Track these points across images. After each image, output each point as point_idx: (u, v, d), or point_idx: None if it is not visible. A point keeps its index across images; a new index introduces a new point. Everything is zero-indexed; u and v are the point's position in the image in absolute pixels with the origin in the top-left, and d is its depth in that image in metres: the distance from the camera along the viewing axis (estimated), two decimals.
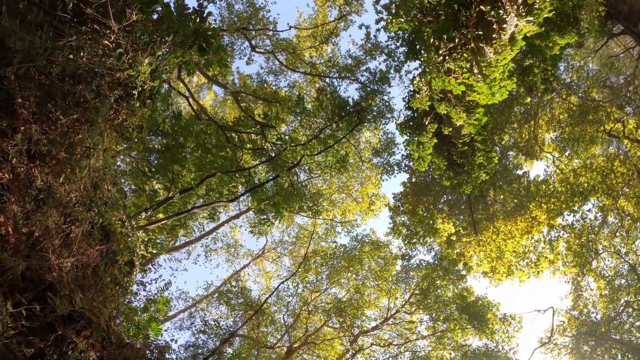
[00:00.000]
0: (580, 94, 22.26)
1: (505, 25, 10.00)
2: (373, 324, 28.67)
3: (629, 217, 21.51)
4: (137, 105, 7.75)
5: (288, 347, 27.25)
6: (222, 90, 27.97)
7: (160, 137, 17.20)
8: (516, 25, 9.97)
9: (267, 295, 28.97)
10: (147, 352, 7.47)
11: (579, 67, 22.33)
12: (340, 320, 27.94)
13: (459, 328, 26.58)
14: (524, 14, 9.66)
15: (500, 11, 9.80)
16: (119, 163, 16.14)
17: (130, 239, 8.32)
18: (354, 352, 27.63)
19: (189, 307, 29.07)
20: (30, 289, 5.60)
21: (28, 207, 5.60)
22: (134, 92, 7.45)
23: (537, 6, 9.51)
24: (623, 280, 23.33)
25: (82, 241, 6.46)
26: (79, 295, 5.98)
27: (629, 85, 21.69)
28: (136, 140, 8.69)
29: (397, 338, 28.56)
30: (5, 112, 5.62)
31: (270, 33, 23.44)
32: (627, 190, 20.76)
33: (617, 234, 22.03)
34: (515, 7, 9.58)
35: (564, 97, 22.16)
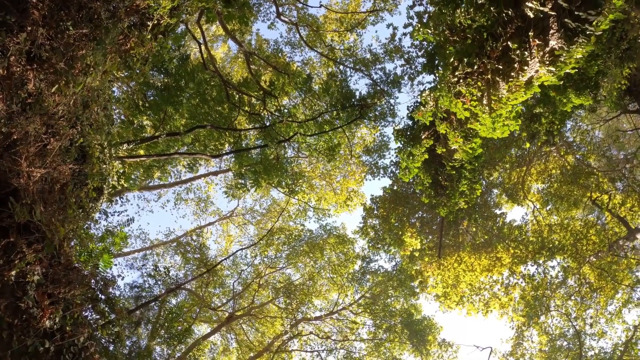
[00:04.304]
0: (578, 156, 22.50)
1: (526, 68, 10.02)
2: (317, 314, 28.94)
3: (588, 285, 21.87)
4: (149, 37, 7.64)
5: (230, 314, 27.37)
6: (237, 47, 27.65)
7: (162, 75, 16.96)
8: (537, 71, 9.99)
9: (223, 258, 29.01)
10: (93, 281, 7.42)
11: (585, 130, 22.53)
12: (287, 301, 28.13)
13: (398, 341, 26.95)
14: (547, 62, 9.68)
15: (526, 52, 9.81)
16: (114, 89, 15.89)
17: (105, 166, 8.23)
18: (291, 335, 27.86)
19: (145, 248, 28.93)
20: None
21: (13, 108, 5.50)
22: (149, 23, 7.33)
23: (562, 59, 9.54)
24: (565, 343, 23.74)
25: (57, 156, 6.37)
26: (40, 208, 5.92)
27: (627, 163, 21.95)
28: (138, 71, 8.57)
29: (336, 334, 28.88)
30: (16, 7, 5.49)
31: (300, 5, 23.18)
32: (594, 259, 21.07)
33: (572, 298, 22.40)
34: (542, 53, 9.60)
35: (562, 153, 22.36)
